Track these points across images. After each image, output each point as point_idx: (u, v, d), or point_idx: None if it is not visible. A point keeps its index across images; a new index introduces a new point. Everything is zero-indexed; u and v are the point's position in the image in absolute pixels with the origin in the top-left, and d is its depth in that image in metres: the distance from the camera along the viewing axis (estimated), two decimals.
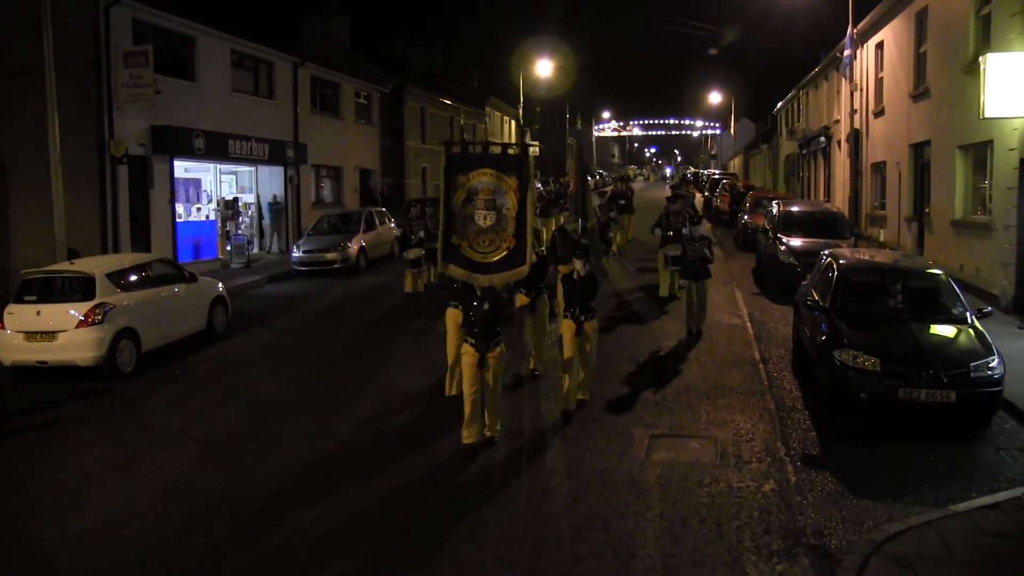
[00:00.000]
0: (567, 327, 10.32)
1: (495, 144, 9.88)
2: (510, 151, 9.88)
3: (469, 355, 9.10)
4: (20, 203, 19.73)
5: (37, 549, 7.36)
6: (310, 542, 7.25)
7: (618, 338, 14.48)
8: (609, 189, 31.67)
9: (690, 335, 14.38)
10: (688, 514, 7.67)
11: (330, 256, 23.43)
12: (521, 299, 11.73)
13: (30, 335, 12.62)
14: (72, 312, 12.66)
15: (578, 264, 10.30)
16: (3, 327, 12.76)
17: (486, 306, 9.04)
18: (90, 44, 19.87)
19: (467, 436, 9.20)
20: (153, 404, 11.69)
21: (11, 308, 12.96)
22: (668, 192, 23.72)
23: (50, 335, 12.58)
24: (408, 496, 8.20)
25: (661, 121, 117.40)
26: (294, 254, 24.25)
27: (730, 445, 9.42)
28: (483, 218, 9.33)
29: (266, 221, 28.47)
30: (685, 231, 15.84)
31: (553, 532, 7.37)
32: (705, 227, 31.35)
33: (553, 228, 20.43)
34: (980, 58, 16.02)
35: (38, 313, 12.73)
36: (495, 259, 9.28)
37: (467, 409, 9.16)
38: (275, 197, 28.26)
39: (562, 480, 8.52)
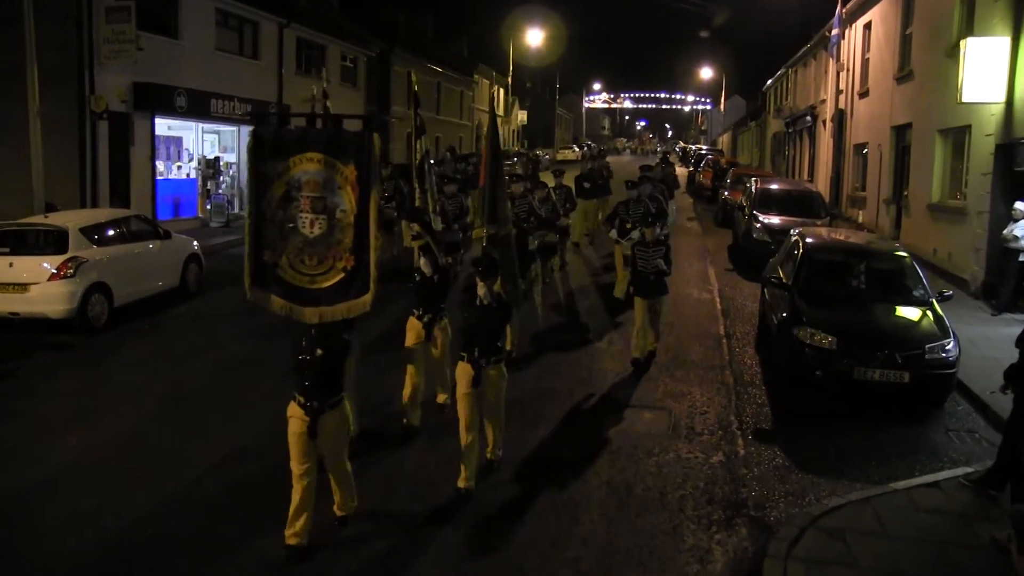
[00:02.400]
0: (462, 373, 7.68)
1: (325, 116, 7.06)
2: (347, 126, 6.82)
3: (296, 420, 6.56)
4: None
5: None
6: (263, 497, 7.38)
7: (579, 313, 14.56)
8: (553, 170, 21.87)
9: (635, 365, 11.33)
10: (634, 482, 7.85)
11: None
12: (413, 327, 9.05)
13: (2, 287, 12.65)
14: (45, 265, 12.69)
15: (481, 287, 7.67)
16: None
17: (319, 351, 6.47)
18: None
19: (291, 535, 6.55)
20: (121, 358, 11.78)
21: None
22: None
23: (22, 287, 12.61)
24: (361, 461, 8.33)
25: (652, 95, 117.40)
26: None
27: (684, 417, 9.61)
28: (309, 224, 6.49)
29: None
30: (635, 234, 12.47)
31: (499, 496, 7.54)
32: (685, 203, 31.43)
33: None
34: (960, 42, 16.12)
35: (11, 265, 12.73)
36: (327, 284, 6.49)
37: (295, 498, 6.57)
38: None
39: (511, 447, 8.60)
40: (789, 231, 15.15)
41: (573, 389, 10.53)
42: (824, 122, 33.19)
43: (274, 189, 6.58)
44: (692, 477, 8.02)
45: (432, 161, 9.40)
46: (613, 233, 14.46)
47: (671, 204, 18.77)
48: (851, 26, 28.61)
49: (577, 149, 70.70)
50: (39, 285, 12.58)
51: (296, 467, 6.56)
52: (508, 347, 10.53)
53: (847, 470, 8.35)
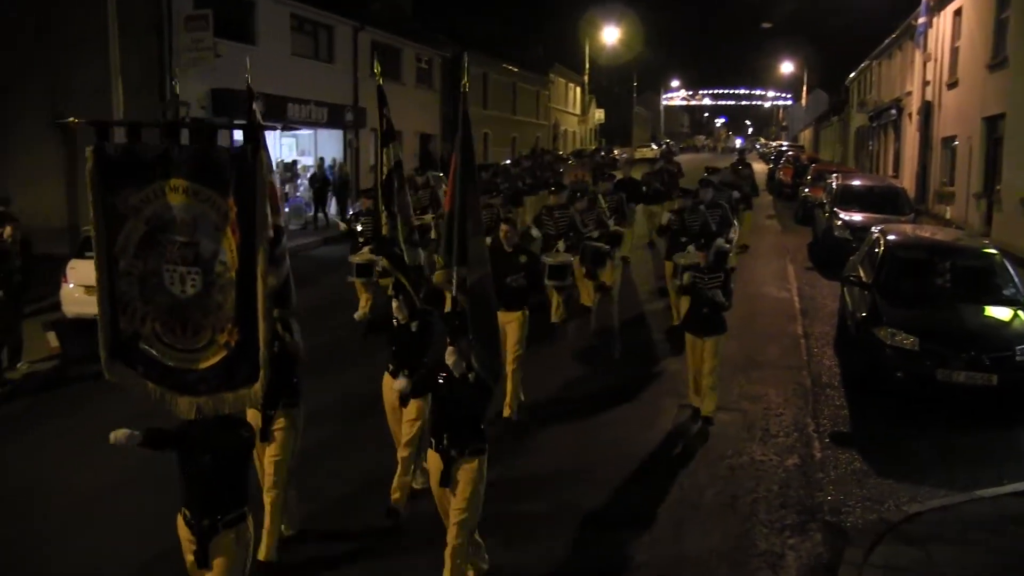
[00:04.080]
0: (431, 466, 5.91)
1: (198, 122, 4.60)
2: (221, 141, 4.79)
3: (185, 544, 4.89)
4: (86, 166, 20.26)
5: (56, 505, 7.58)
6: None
7: (642, 310, 14.26)
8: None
9: (694, 415, 9.34)
10: (706, 486, 7.68)
11: None
12: (388, 388, 7.11)
13: (90, 289, 13.01)
14: None
15: (450, 353, 5.69)
16: (66, 281, 13.28)
17: (205, 456, 4.76)
18: (152, 8, 20.27)
19: None
20: None
21: (73, 263, 13.42)
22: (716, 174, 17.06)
23: None
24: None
25: (731, 91, 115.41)
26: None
27: (759, 419, 9.37)
28: (179, 280, 4.66)
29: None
30: (691, 249, 10.32)
31: (565, 492, 7.44)
32: (764, 201, 30.63)
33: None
34: None
35: None
36: (206, 364, 4.69)
37: None
38: (334, 161, 28.52)
39: (580, 447, 8.54)
40: (871, 228, 14.69)
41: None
42: (910, 115, 32.18)
43: (129, 229, 4.71)
44: (765, 480, 7.80)
45: (403, 174, 7.38)
46: (677, 258, 11.74)
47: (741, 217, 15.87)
48: (939, 14, 27.65)
49: (655, 147, 70.21)
50: None
51: None
52: (506, 412, 9.03)
53: (929, 476, 8.01)
